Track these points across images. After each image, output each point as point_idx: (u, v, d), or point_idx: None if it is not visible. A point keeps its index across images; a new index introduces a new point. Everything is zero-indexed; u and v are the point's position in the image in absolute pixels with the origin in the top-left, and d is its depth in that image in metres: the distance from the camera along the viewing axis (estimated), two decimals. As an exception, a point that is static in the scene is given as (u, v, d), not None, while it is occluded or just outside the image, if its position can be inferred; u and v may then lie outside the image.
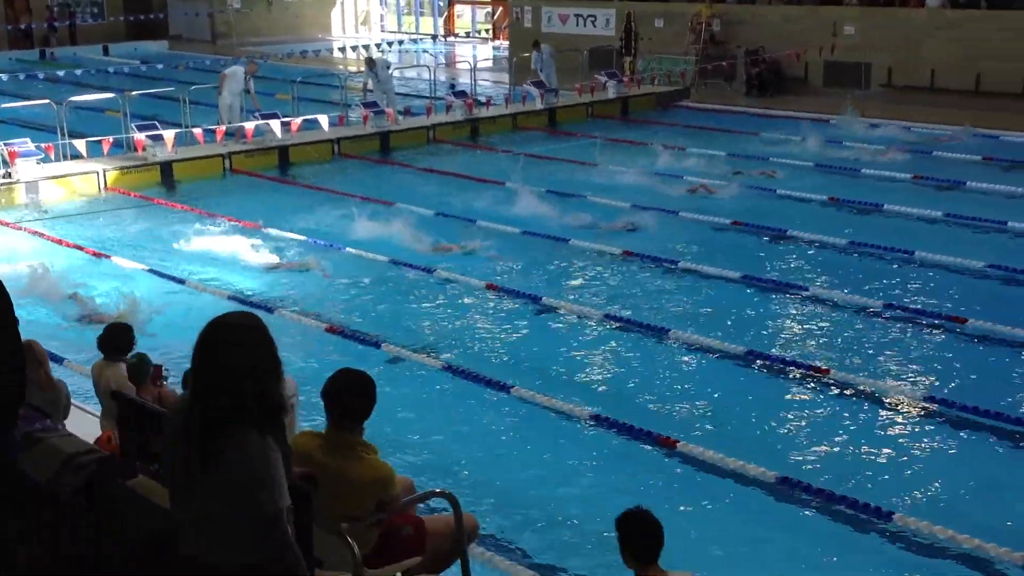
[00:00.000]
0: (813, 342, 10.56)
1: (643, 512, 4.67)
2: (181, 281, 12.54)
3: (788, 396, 9.32)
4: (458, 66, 32.89)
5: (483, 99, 23.27)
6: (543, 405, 9.08)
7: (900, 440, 8.47)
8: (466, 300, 11.88)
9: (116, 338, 7.12)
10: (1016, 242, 13.72)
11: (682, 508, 7.54)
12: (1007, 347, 10.22)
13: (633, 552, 4.60)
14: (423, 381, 9.73)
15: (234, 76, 20.23)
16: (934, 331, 10.69)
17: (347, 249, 13.77)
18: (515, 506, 7.49)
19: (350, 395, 4.90)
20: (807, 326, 11.00)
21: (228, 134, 19.38)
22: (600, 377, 9.89)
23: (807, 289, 11.88)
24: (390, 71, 23.69)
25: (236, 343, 3.73)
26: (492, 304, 11.78)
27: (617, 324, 10.98)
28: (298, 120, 19.62)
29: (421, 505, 6.02)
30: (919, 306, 11.31)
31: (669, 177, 17.59)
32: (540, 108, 23.35)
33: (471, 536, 5.20)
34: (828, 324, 11.02)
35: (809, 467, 7.98)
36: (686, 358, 10.22)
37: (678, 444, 8.23)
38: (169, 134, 18.13)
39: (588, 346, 10.56)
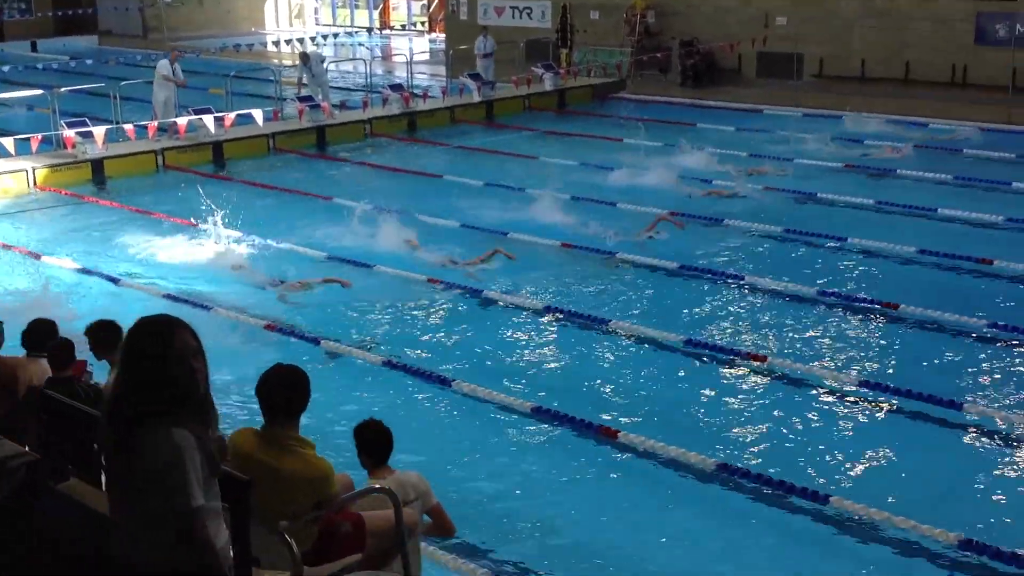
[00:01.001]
0: (749, 330, 10.67)
1: (375, 422, 5.55)
2: (114, 280, 12.32)
3: (726, 384, 9.41)
4: (394, 59, 32.71)
5: (420, 92, 23.18)
6: (483, 398, 9.06)
7: (836, 425, 8.60)
8: (404, 294, 11.81)
9: (39, 332, 6.97)
10: (945, 228, 13.97)
11: (623, 497, 7.59)
12: (939, 332, 10.40)
13: (368, 454, 5.47)
14: (362, 376, 9.67)
15: (163, 70, 20.10)
16: (868, 317, 10.86)
17: (283, 245, 13.63)
18: (457, 500, 7.45)
19: (283, 390, 4.85)
20: (744, 314, 11.11)
21: (161, 130, 19.09)
22: (539, 369, 9.89)
23: (743, 278, 12.00)
24: (325, 65, 23.51)
25: (161, 343, 3.69)
26: (432, 297, 11.74)
27: (557, 316, 11.01)
28: (231, 115, 19.37)
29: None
30: (853, 292, 11.48)
31: (603, 169, 17.64)
32: (477, 101, 23.32)
33: (411, 532, 5.17)
34: (764, 312, 11.15)
35: (747, 453, 8.07)
36: (625, 348, 10.26)
37: (619, 434, 8.26)
38: (100, 131, 17.80)
39: (528, 338, 10.57)
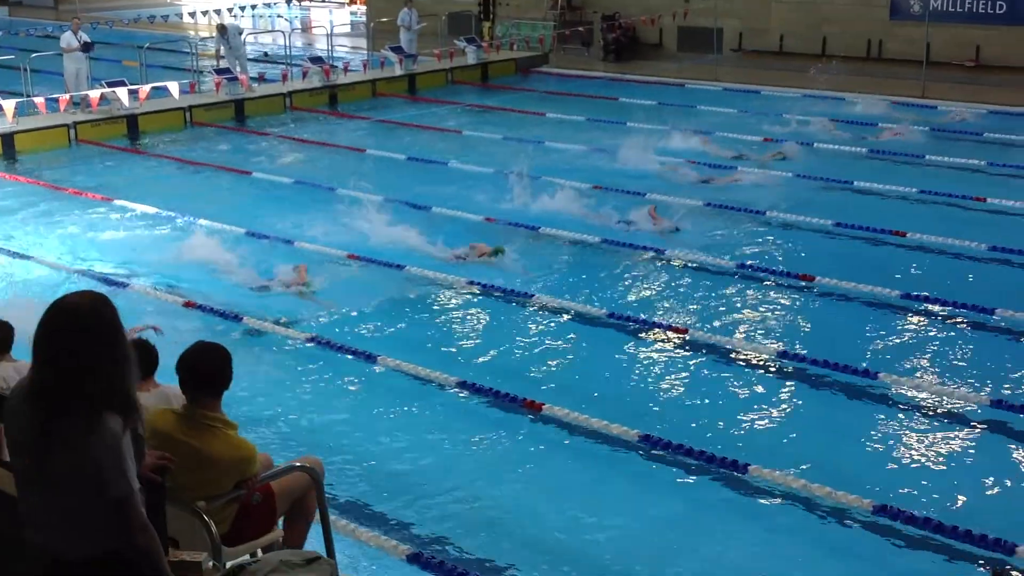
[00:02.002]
0: (671, 303, 10.77)
1: (142, 341, 5.66)
2: (26, 257, 12.01)
3: (648, 356, 9.50)
4: (314, 31, 32.27)
5: (341, 65, 22.91)
6: (409, 374, 9.03)
7: (755, 395, 8.73)
8: (327, 270, 11.70)
9: None
10: (860, 200, 14.23)
11: (549, 469, 7.63)
12: (853, 303, 10.61)
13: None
14: (286, 354, 9.57)
15: (65, 42, 19.73)
16: (785, 289, 11.03)
17: (201, 220, 13.41)
18: (381, 475, 7.45)
19: (205, 369, 4.78)
20: (665, 288, 11.20)
21: (73, 103, 18.62)
22: (464, 343, 9.89)
23: (664, 252, 12.10)
24: (243, 37, 23.11)
25: (82, 325, 3.58)
26: (357, 273, 11.65)
27: (479, 290, 11.00)
28: (146, 88, 18.95)
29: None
30: (770, 265, 11.63)
31: (527, 143, 17.64)
32: (399, 74, 23.13)
33: (309, 505, 5.13)
34: (685, 285, 11.25)
35: (669, 424, 8.15)
36: (549, 322, 10.30)
37: (543, 407, 8.30)
38: (9, 104, 17.31)
39: (452, 313, 10.56)
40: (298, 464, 5.15)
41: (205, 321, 10.17)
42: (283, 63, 23.85)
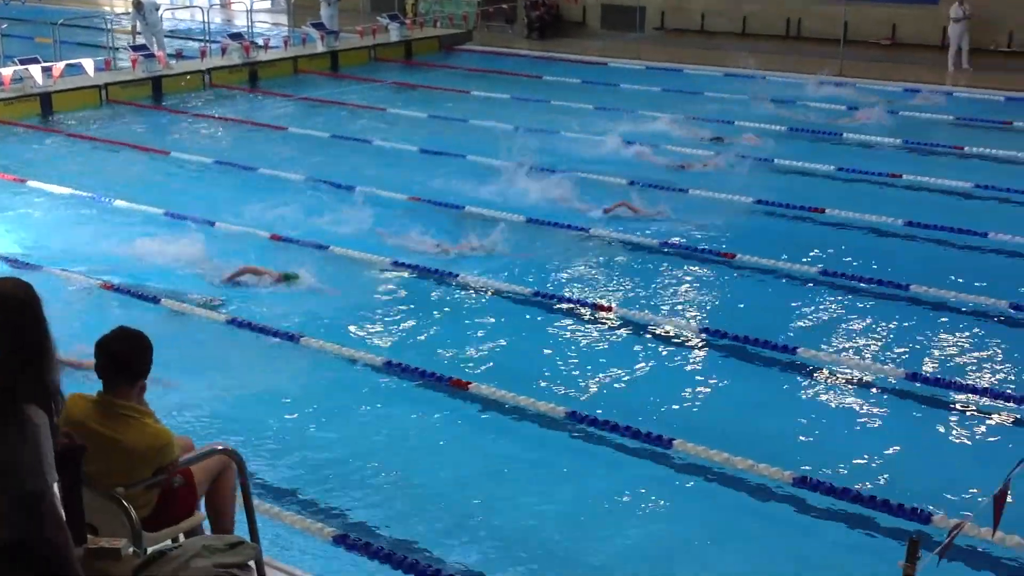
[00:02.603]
0: (595, 281, 10.82)
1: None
2: (-66, 240, 11.66)
3: (574, 334, 9.54)
4: (233, 7, 31.71)
5: (261, 42, 22.56)
6: (333, 353, 8.97)
7: (679, 371, 8.83)
8: (249, 250, 11.53)
9: None
10: (780, 178, 14.43)
11: (477, 448, 7.64)
12: (773, 279, 10.77)
13: None
14: (206, 335, 9.43)
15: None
16: (707, 266, 11.14)
17: (118, 202, 13.13)
18: (309, 458, 7.38)
19: (123, 356, 4.68)
20: (590, 265, 11.25)
21: (-17, 81, 18.09)
22: (389, 322, 9.82)
23: (588, 230, 12.15)
24: (160, 12, 22.62)
25: (7, 317, 3.50)
26: (277, 254, 11.49)
27: (403, 269, 10.95)
28: (60, 65, 18.46)
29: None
30: (693, 243, 11.74)
31: (451, 121, 17.60)
32: (321, 51, 22.86)
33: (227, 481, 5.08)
34: (609, 263, 11.31)
35: (595, 400, 8.21)
36: (474, 300, 10.29)
37: (470, 385, 8.31)
38: (-85, 82, 16.75)
39: (375, 292, 10.47)
40: (220, 447, 5.08)
41: (126, 303, 9.98)
42: (201, 39, 23.42)
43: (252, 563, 4.67)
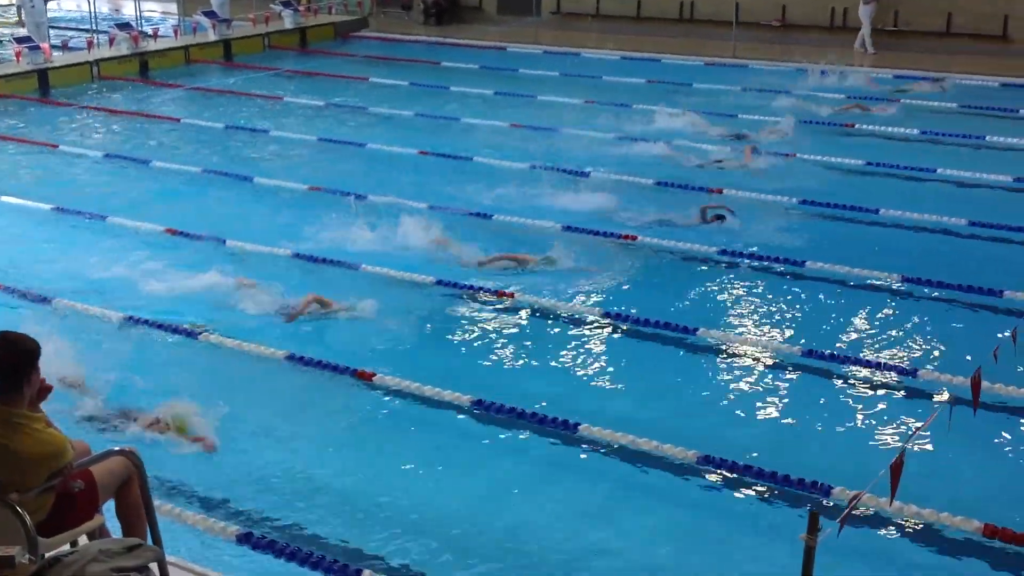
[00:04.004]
0: (494, 269, 10.76)
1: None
2: None
3: (476, 321, 9.50)
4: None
5: (150, 31, 22.01)
6: (234, 348, 8.80)
7: (582, 354, 8.87)
8: (141, 246, 11.22)
9: None
10: (678, 159, 14.56)
11: (382, 438, 7.58)
12: (670, 259, 10.88)
13: None
14: (101, 333, 9.16)
15: None
16: (609, 248, 11.19)
17: (5, 198, 12.68)
18: (205, 454, 7.23)
19: (8, 362, 4.50)
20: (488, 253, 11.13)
21: None
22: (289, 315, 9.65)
23: (491, 217, 12.12)
24: (45, 3, 21.89)
25: None
26: (168, 248, 11.21)
27: (304, 261, 10.78)
28: (-61, 58, 17.77)
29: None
30: (595, 226, 11.78)
31: (350, 109, 17.42)
32: (213, 40, 22.40)
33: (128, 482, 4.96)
34: (510, 245, 11.23)
35: (499, 387, 8.19)
36: (379, 291, 10.14)
37: (375, 376, 8.24)
38: None
39: (279, 288, 10.26)
40: (116, 449, 4.95)
41: (13, 304, 9.65)
42: (88, 30, 22.75)
43: (154, 566, 4.57)
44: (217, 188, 13.25)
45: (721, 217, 11.75)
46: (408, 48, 23.41)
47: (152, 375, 8.36)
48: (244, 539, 6.12)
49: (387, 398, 8.08)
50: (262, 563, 6.00)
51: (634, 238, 11.31)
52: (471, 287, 10.10)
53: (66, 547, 4.65)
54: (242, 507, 6.63)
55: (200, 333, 9.01)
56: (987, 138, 15.08)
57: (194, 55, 21.86)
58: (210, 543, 6.15)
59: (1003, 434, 7.49)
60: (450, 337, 9.21)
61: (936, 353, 8.80)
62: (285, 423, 7.77)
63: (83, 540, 4.76)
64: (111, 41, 21.13)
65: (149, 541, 4.89)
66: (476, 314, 9.64)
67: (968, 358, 8.36)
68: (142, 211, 12.20)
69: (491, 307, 9.76)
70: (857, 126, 15.56)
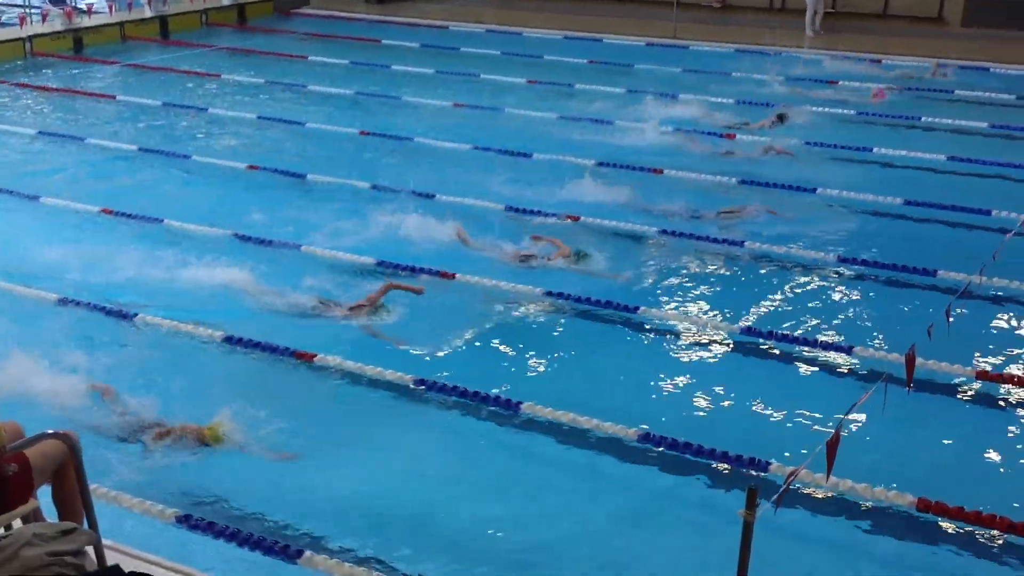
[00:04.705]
0: (436, 247, 10.69)
1: None
2: None
3: (421, 302, 9.42)
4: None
5: (84, 7, 21.55)
6: (172, 330, 8.69)
7: (522, 335, 8.86)
8: (70, 227, 11.01)
9: None
10: (620, 140, 14.62)
11: (323, 419, 7.54)
12: (612, 237, 10.90)
13: None
14: (36, 317, 8.99)
15: None
16: (549, 226, 11.16)
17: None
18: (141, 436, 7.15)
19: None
20: (431, 234, 11.04)
21: None
22: (229, 297, 9.52)
23: (433, 196, 12.06)
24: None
25: None
26: (109, 229, 11.03)
27: (243, 242, 10.66)
28: None
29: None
30: (537, 206, 11.76)
31: (290, 87, 17.23)
32: (149, 16, 22.02)
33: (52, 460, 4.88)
34: (454, 232, 11.18)
35: (441, 367, 8.19)
36: (317, 270, 10.06)
37: (315, 357, 8.18)
38: None
39: (215, 267, 10.14)
40: (51, 432, 4.85)
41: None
42: (20, 6, 22.23)
43: (90, 549, 4.50)
44: (154, 167, 13.05)
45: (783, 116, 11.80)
46: (349, 26, 23.18)
47: (88, 357, 8.22)
48: (183, 520, 6.06)
49: (321, 374, 8.03)
50: (202, 545, 5.95)
51: (577, 218, 11.33)
52: (411, 268, 10.04)
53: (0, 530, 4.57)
54: (177, 488, 6.56)
55: (136, 315, 8.88)
56: (922, 119, 15.32)
57: (129, 32, 21.46)
58: (147, 525, 6.08)
59: (937, 410, 7.65)
60: (385, 317, 9.11)
61: (872, 331, 8.95)
62: (219, 399, 7.69)
63: (17, 524, 4.68)
64: (44, 17, 20.67)
65: (85, 525, 4.82)
66: (419, 295, 9.56)
67: (903, 336, 8.50)
68: (77, 190, 11.97)
69: (433, 287, 9.71)
70: (796, 107, 15.70)
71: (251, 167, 13.03)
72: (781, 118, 14.72)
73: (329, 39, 21.70)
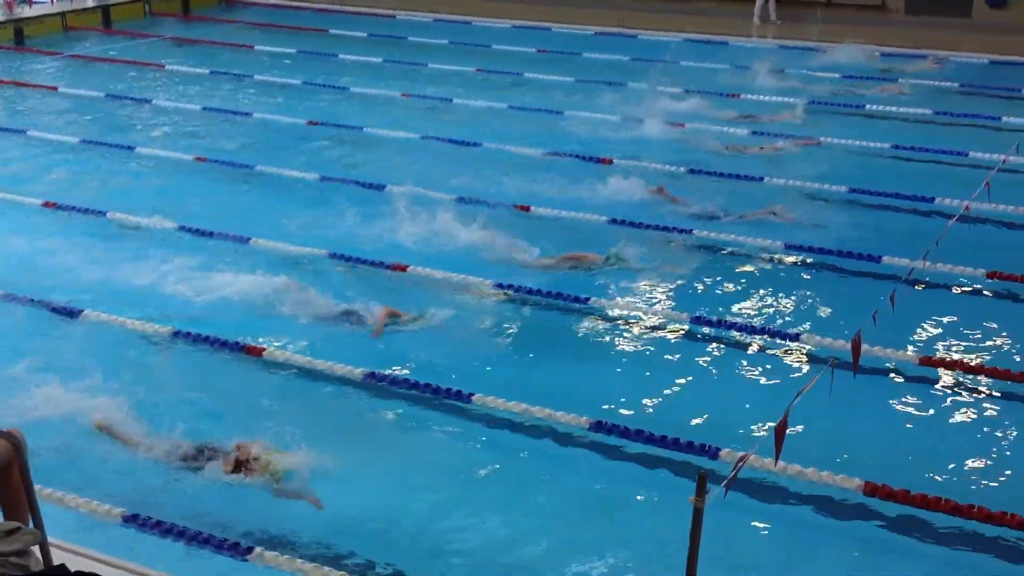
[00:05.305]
0: (391, 239, 10.64)
1: None
2: None
3: (365, 293, 9.35)
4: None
5: (24, -3, 21.20)
6: (119, 326, 8.57)
7: (474, 326, 8.85)
8: (11, 221, 10.82)
9: None
10: (571, 128, 14.63)
11: (274, 414, 7.47)
12: (563, 229, 10.91)
13: None
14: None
15: None
16: (498, 217, 11.11)
17: None
18: (84, 435, 7.04)
19: None
20: (387, 228, 10.98)
21: None
22: (177, 293, 9.39)
23: (384, 188, 12.01)
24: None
25: None
26: (46, 222, 10.84)
27: (190, 235, 10.54)
28: None
29: None
30: (486, 197, 11.70)
31: (240, 76, 17.06)
32: (92, 6, 21.68)
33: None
34: (402, 222, 11.10)
35: (391, 359, 8.16)
36: (265, 264, 9.98)
37: (265, 351, 8.12)
38: None
39: (165, 262, 10.00)
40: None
41: None
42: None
43: (36, 549, 4.43)
44: (98, 159, 12.86)
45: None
46: (295, 15, 22.98)
47: (31, 357, 8.09)
48: (130, 520, 5.99)
49: (271, 368, 7.97)
50: (150, 543, 5.89)
51: (527, 209, 11.32)
52: (360, 260, 9.98)
53: (-60, 533, 4.48)
54: (123, 487, 6.48)
55: (81, 311, 8.75)
56: (867, 107, 15.49)
57: (72, 22, 21.12)
58: (94, 525, 6.01)
59: (882, 395, 7.76)
60: (338, 309, 9.07)
61: (819, 318, 9.06)
62: (164, 397, 7.60)
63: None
64: (-18, 7, 20.30)
65: (31, 525, 4.75)
66: (365, 288, 9.52)
67: (849, 322, 8.60)
68: (19, 183, 11.77)
69: (382, 279, 9.67)
70: (741, 96, 15.80)
71: (198, 159, 12.88)
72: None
73: (276, 28, 21.50)
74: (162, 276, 9.59)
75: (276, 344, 8.25)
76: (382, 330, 8.66)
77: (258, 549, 5.73)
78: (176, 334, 8.41)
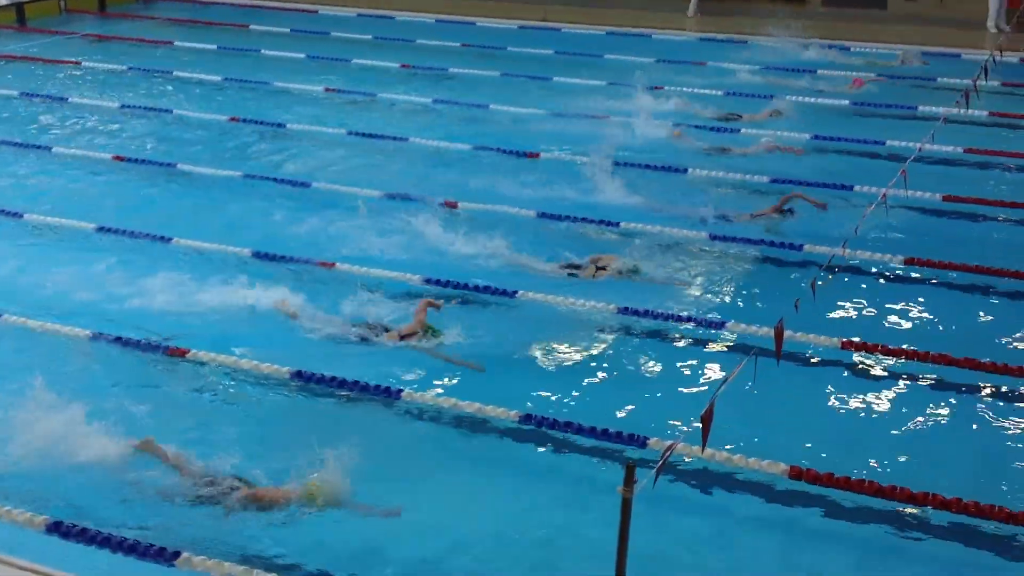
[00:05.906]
0: (316, 238, 10.53)
1: None
2: None
3: (305, 291, 9.25)
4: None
5: (-68, -7, 20.60)
6: (37, 331, 8.37)
7: (399, 319, 8.81)
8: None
9: None
10: (496, 122, 14.62)
11: (197, 414, 7.39)
12: (486, 222, 10.83)
13: None
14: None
15: None
16: (430, 216, 11.03)
17: None
18: (6, 442, 6.87)
19: None
20: (318, 225, 10.86)
21: None
22: (97, 295, 9.18)
23: (309, 185, 11.88)
24: None
25: None
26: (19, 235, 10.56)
27: (111, 237, 10.33)
28: None
29: None
30: (416, 194, 11.60)
31: (160, 73, 16.77)
32: (5, 3, 21.14)
33: None
34: (328, 219, 10.99)
35: (319, 358, 8.08)
36: (184, 265, 9.79)
37: (188, 353, 8.00)
38: None
39: (83, 264, 9.78)
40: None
41: None
42: None
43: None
44: (12, 159, 12.55)
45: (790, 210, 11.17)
46: (215, 11, 22.61)
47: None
48: (54, 528, 5.86)
49: (196, 369, 7.85)
50: (75, 552, 5.77)
51: (455, 205, 11.28)
52: (296, 259, 9.87)
53: None
54: (46, 495, 6.33)
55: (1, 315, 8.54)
56: (787, 98, 15.70)
57: (-16, 19, 20.59)
58: (16, 535, 5.86)
59: (805, 381, 7.90)
60: (260, 310, 8.96)
61: (742, 306, 9.18)
62: (92, 401, 7.45)
63: None
64: None
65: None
66: (311, 287, 9.40)
67: (772, 310, 8.71)
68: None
69: (315, 279, 9.58)
70: (666, 88, 15.93)
71: (117, 157, 12.64)
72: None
73: (195, 24, 21.16)
74: (80, 278, 9.38)
75: (199, 345, 8.12)
76: (424, 321, 8.40)
77: (185, 554, 5.63)
78: (97, 335, 8.24)
